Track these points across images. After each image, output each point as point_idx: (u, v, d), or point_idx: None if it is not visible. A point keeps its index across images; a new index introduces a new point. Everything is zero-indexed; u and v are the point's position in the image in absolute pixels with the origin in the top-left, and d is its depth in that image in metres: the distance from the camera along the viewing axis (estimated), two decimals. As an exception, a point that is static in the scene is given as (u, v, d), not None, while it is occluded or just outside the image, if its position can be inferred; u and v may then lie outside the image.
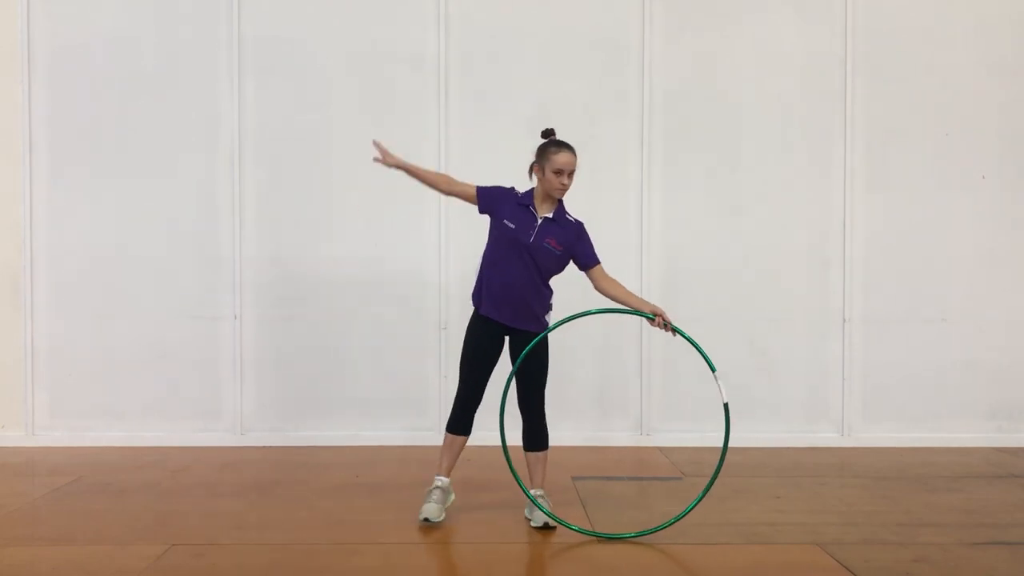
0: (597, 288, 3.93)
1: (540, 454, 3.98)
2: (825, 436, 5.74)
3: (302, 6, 5.71)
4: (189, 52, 5.69)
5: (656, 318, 3.80)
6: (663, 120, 5.73)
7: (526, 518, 3.96)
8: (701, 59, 5.77)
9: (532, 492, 3.93)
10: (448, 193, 4.00)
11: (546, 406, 3.98)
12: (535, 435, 3.96)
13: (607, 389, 5.73)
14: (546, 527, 3.81)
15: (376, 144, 3.98)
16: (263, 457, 5.33)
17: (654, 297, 5.69)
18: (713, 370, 3.78)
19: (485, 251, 3.95)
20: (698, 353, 3.78)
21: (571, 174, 3.85)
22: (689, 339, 3.77)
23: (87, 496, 4.42)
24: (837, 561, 3.45)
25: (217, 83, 5.68)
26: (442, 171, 5.64)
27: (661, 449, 5.57)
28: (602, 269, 3.94)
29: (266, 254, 5.68)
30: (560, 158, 3.83)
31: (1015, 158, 5.81)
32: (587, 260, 3.93)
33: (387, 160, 3.96)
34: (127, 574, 3.29)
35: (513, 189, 3.96)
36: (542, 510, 3.82)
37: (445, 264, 5.64)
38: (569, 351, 5.58)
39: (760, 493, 4.50)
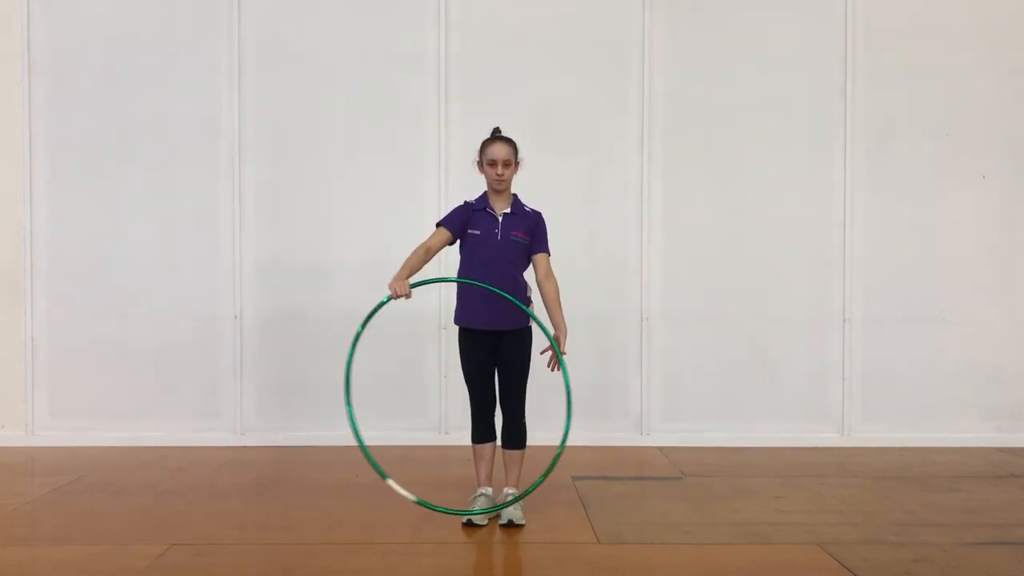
0: (537, 277, 3.93)
1: (517, 453, 3.99)
2: (825, 436, 5.74)
3: (302, 6, 5.71)
4: (189, 52, 5.69)
5: (550, 346, 3.76)
6: (663, 120, 5.73)
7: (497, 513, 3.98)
8: (701, 59, 5.78)
9: (505, 490, 3.97)
10: (435, 252, 3.86)
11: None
12: (514, 433, 3.96)
13: (607, 389, 5.73)
14: (511, 524, 3.84)
15: (395, 291, 3.68)
16: (263, 457, 5.33)
17: (655, 298, 5.72)
18: (567, 392, 3.71)
19: (459, 271, 3.97)
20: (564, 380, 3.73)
21: (506, 163, 3.87)
22: (567, 386, 3.73)
23: (87, 496, 4.41)
24: (837, 561, 3.45)
25: (217, 83, 5.68)
26: (441, 170, 5.69)
27: (661, 449, 5.57)
28: (547, 261, 3.94)
29: (266, 254, 5.68)
30: (492, 149, 3.89)
31: (1015, 158, 5.81)
32: (538, 246, 3.94)
33: (402, 289, 3.65)
34: (127, 574, 3.29)
35: (465, 202, 4.00)
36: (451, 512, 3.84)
37: (445, 264, 5.63)
38: (569, 351, 5.57)
39: (760, 493, 4.50)
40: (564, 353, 3.80)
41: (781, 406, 5.75)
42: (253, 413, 5.69)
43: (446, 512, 3.83)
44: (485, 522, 3.89)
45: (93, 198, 5.67)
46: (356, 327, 3.75)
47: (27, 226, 5.65)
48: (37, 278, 5.66)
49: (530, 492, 3.82)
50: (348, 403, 3.68)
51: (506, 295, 3.76)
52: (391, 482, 3.61)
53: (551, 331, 3.81)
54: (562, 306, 3.88)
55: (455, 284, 4.00)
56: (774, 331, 5.75)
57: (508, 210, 3.93)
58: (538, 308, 3.98)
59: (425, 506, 3.73)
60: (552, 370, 3.83)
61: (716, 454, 5.43)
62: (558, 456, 3.73)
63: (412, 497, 3.62)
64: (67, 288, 5.67)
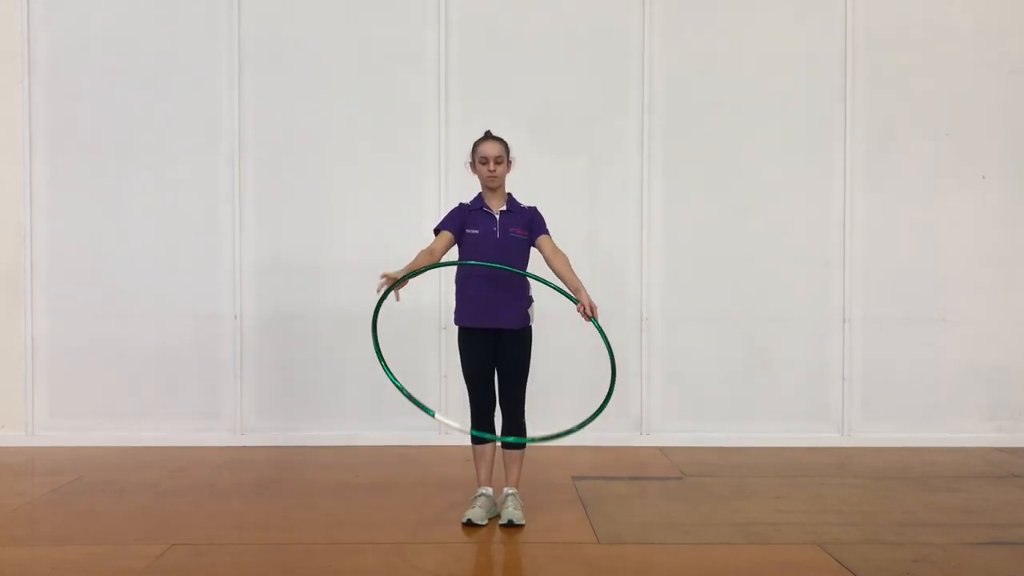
0: (545, 256, 3.95)
1: (516, 452, 4.00)
2: (825, 436, 5.73)
3: (302, 6, 5.71)
4: (189, 52, 5.69)
5: (579, 305, 3.79)
6: (663, 120, 5.73)
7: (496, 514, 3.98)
8: (701, 58, 5.77)
9: (505, 490, 3.98)
10: (439, 256, 3.86)
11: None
12: (514, 432, 3.96)
13: (607, 389, 5.71)
14: (511, 524, 3.84)
15: (384, 281, 3.64)
16: (263, 457, 5.33)
17: (655, 298, 5.72)
18: (614, 373, 3.79)
19: (458, 271, 3.98)
20: (608, 351, 3.79)
21: (497, 160, 3.89)
22: (604, 336, 3.79)
23: (87, 496, 4.41)
24: (837, 561, 3.45)
25: (217, 83, 5.68)
26: (441, 170, 5.69)
27: (661, 449, 5.57)
28: (551, 240, 3.98)
29: (266, 254, 5.68)
30: (483, 147, 3.92)
31: (1015, 158, 5.80)
32: (538, 231, 3.97)
33: (393, 278, 3.60)
34: (127, 574, 3.29)
35: (460, 203, 4.01)
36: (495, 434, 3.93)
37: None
38: (568, 350, 5.58)
39: (760, 493, 4.50)
40: (596, 315, 3.79)
41: (781, 406, 5.74)
42: (253, 413, 5.68)
43: (495, 439, 3.93)
44: (485, 522, 3.89)
45: (93, 198, 5.67)
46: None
47: (27, 226, 5.65)
48: (37, 278, 5.66)
49: (568, 433, 3.76)
50: (378, 352, 3.80)
51: (512, 269, 3.77)
52: (439, 416, 3.65)
53: (569, 302, 3.82)
54: (574, 275, 3.86)
55: (454, 285, 4.02)
56: (774, 331, 5.74)
57: (504, 208, 3.95)
58: (546, 295, 3.98)
59: (479, 435, 3.88)
60: (585, 320, 3.82)
61: (716, 454, 5.43)
62: (607, 399, 3.75)
63: (465, 428, 3.66)
64: (67, 288, 5.66)
